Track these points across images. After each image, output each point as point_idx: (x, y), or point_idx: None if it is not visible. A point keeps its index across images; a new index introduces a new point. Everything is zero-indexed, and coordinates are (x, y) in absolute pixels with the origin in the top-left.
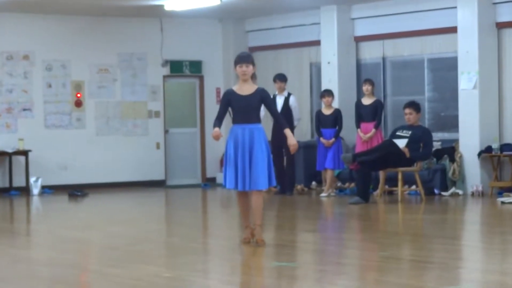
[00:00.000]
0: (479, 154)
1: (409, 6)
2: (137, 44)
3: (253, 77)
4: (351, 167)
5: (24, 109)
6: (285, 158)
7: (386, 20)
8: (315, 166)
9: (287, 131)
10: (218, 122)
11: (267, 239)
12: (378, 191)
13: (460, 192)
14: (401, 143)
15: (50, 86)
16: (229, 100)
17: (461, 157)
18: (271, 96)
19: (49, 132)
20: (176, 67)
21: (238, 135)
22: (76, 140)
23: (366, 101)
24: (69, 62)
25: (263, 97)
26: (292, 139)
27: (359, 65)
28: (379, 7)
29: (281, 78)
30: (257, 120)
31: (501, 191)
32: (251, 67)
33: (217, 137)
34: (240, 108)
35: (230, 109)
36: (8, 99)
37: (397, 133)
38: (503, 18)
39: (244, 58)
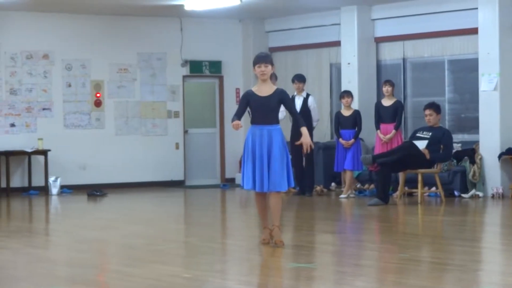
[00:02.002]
0: (500, 156)
1: (429, 7)
2: (157, 43)
3: (273, 77)
4: (371, 168)
5: (44, 109)
6: (304, 159)
7: (407, 21)
8: (335, 167)
9: (303, 129)
10: (236, 117)
11: (286, 240)
12: (397, 193)
13: (480, 194)
14: (421, 144)
15: (69, 85)
16: (248, 101)
17: (481, 159)
18: (290, 97)
19: (68, 131)
20: (195, 67)
21: (256, 136)
22: (95, 140)
23: (386, 102)
24: (89, 62)
25: (282, 98)
26: (306, 137)
27: (379, 66)
28: (400, 8)
29: (299, 78)
30: (276, 121)
31: None
32: (269, 67)
33: (237, 126)
34: (258, 109)
35: (249, 109)
36: (28, 98)
37: (417, 135)
38: None
39: (262, 58)
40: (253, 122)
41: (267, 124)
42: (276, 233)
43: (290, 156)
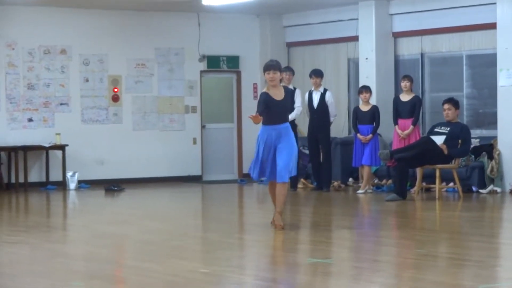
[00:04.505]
0: None
1: (448, 2)
2: (175, 39)
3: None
4: (388, 163)
5: (61, 104)
6: (321, 154)
7: (425, 16)
8: (352, 162)
9: None
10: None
11: (303, 235)
12: (415, 188)
13: (498, 189)
14: (439, 139)
15: (87, 80)
16: (267, 104)
17: (499, 154)
18: (307, 92)
19: (86, 126)
20: (213, 62)
21: (272, 136)
22: (113, 135)
23: (404, 97)
24: (106, 57)
25: (291, 93)
26: None
27: (397, 61)
28: (418, 3)
29: (317, 73)
30: (288, 119)
31: None
32: (278, 73)
33: (256, 119)
34: (276, 111)
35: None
36: (46, 93)
37: (435, 130)
38: None
39: (272, 66)
40: (268, 122)
41: (282, 123)
42: (277, 218)
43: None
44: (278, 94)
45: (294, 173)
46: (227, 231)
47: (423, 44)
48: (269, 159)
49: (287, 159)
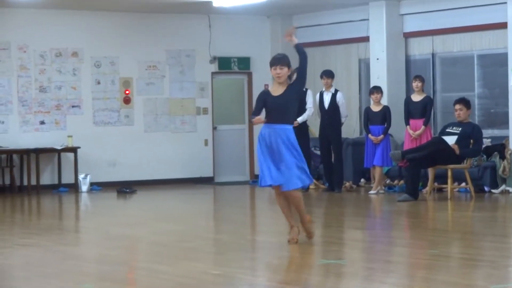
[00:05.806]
0: None
1: (458, 1)
2: (186, 40)
3: (291, 77)
4: (400, 164)
5: (73, 106)
6: (333, 155)
7: (436, 16)
8: (364, 163)
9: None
10: (255, 115)
11: (316, 236)
12: (427, 189)
13: (511, 189)
14: (451, 140)
15: (98, 83)
16: (264, 101)
17: (511, 154)
18: (318, 93)
19: (97, 129)
20: (224, 64)
21: (267, 136)
22: (125, 137)
23: (416, 97)
24: (118, 59)
25: (295, 84)
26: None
27: (408, 61)
28: (428, 3)
29: (327, 74)
30: (289, 121)
31: None
32: (285, 69)
33: (259, 121)
34: (273, 108)
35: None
36: (57, 96)
37: (447, 130)
38: None
39: (278, 60)
40: (268, 121)
41: (281, 124)
42: (309, 226)
43: (300, 153)
44: (278, 90)
45: (307, 181)
46: (239, 233)
47: (434, 44)
48: (273, 161)
49: (290, 164)
